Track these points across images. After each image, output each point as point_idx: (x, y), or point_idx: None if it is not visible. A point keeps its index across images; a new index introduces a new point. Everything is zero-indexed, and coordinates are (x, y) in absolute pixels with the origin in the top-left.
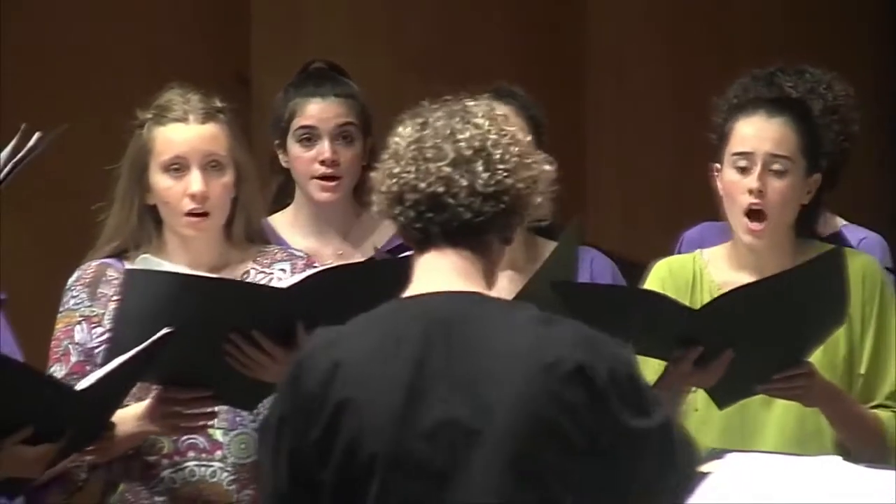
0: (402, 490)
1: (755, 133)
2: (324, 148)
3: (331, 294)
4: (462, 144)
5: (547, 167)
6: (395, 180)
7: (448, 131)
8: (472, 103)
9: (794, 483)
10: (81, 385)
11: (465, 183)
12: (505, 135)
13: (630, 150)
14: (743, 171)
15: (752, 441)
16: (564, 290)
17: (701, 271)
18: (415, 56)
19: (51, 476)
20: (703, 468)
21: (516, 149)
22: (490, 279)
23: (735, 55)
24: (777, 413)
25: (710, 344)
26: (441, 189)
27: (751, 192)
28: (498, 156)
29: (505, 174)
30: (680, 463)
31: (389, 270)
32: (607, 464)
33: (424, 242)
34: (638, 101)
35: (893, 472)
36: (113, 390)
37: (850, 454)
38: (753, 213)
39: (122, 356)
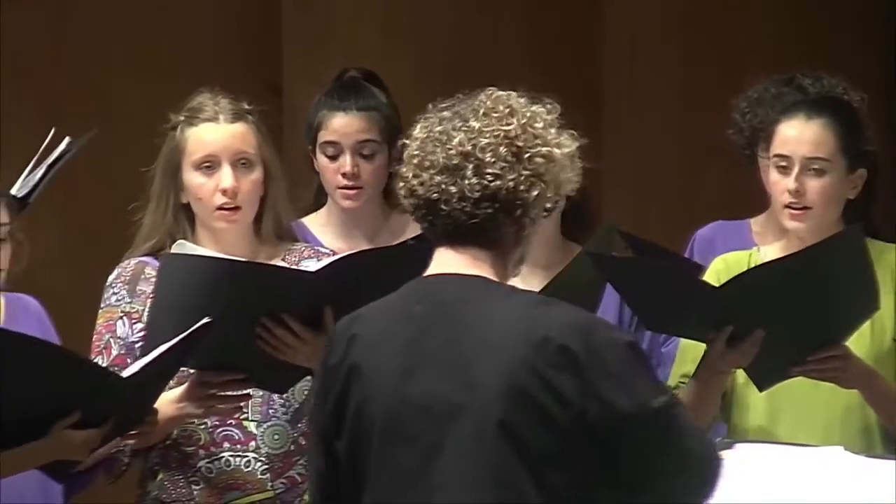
0: (395, 460)
1: (794, 136)
2: (345, 162)
3: (357, 278)
4: (451, 151)
5: (559, 150)
6: (402, 184)
7: (444, 137)
8: (478, 100)
9: (798, 475)
10: (127, 372)
11: (454, 190)
12: (498, 135)
13: (643, 151)
14: (783, 171)
15: (800, 422)
16: (601, 261)
17: (758, 263)
18: (439, 64)
19: (94, 461)
20: None
21: (508, 149)
22: (503, 269)
23: (741, 62)
24: (824, 396)
25: (739, 324)
26: (435, 196)
27: (790, 192)
28: (488, 158)
29: (493, 178)
30: (679, 452)
31: (413, 255)
32: (594, 445)
33: (435, 239)
34: (650, 103)
35: (889, 461)
36: (155, 377)
37: (893, 438)
38: (794, 207)
39: (164, 345)
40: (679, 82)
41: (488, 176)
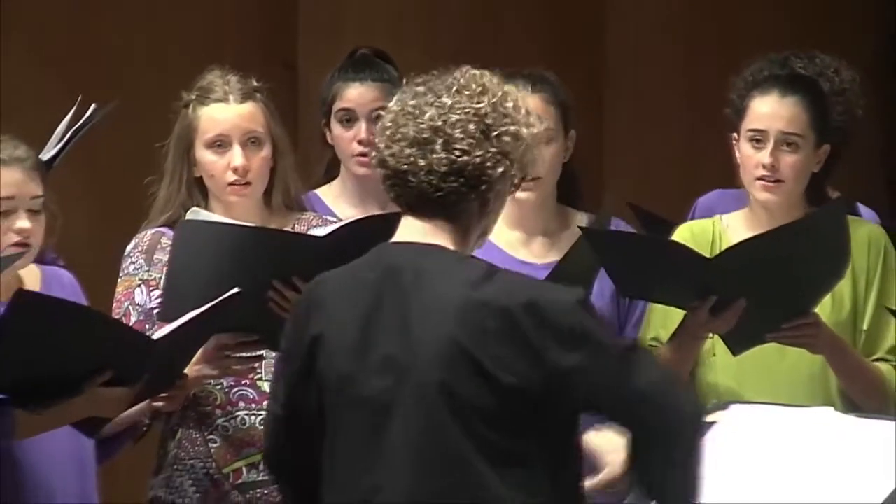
0: (351, 425)
1: (769, 111)
2: (360, 129)
3: (364, 242)
4: (423, 126)
5: (527, 130)
6: (375, 153)
7: (416, 111)
8: (452, 77)
9: (791, 433)
10: (158, 335)
11: (422, 163)
12: (469, 112)
13: (645, 134)
14: (757, 145)
15: (766, 385)
16: (594, 237)
17: (720, 234)
18: (447, 46)
19: (123, 425)
20: (709, 419)
21: (477, 126)
22: (464, 240)
23: (741, 50)
24: (790, 362)
25: (723, 293)
26: (404, 168)
27: (764, 166)
28: (457, 134)
29: (461, 153)
30: (641, 390)
31: None
32: (546, 404)
33: (402, 208)
34: (653, 85)
35: (880, 421)
36: (185, 343)
37: (852, 403)
38: (766, 180)
39: (193, 312)
40: (682, 50)
41: (456, 151)
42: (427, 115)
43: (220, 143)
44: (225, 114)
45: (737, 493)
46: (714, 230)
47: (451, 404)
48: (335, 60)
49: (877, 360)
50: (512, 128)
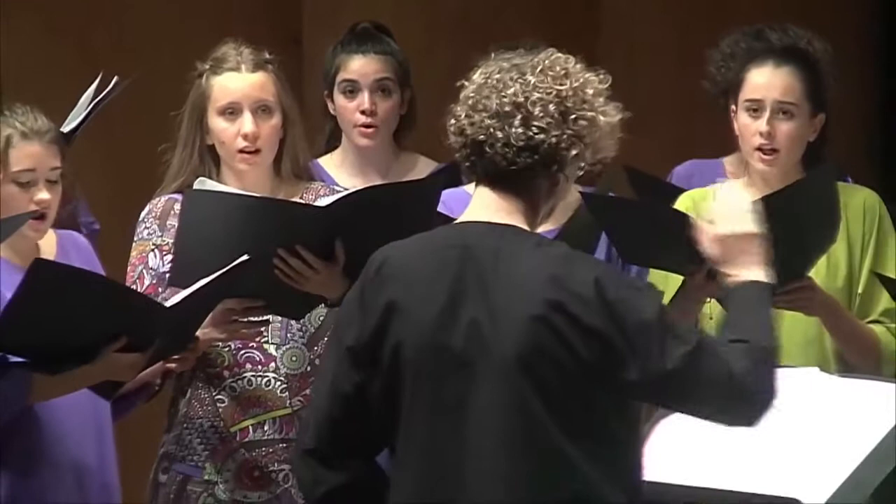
0: (429, 399)
1: (765, 82)
2: (363, 99)
3: (366, 212)
4: (505, 99)
5: (604, 118)
6: (454, 121)
7: (500, 85)
8: (538, 58)
9: (781, 391)
10: (169, 302)
11: (500, 135)
12: (550, 92)
13: (639, 97)
14: (754, 115)
15: None
16: (595, 204)
17: None
18: (447, 21)
19: (138, 384)
20: None
21: (557, 107)
22: (533, 218)
23: (733, 20)
24: (785, 324)
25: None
26: (482, 138)
27: (761, 134)
28: (537, 112)
29: (538, 131)
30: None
31: (417, 191)
32: (612, 392)
33: (475, 178)
34: (646, 59)
35: (863, 381)
36: (196, 308)
37: (847, 363)
38: (764, 150)
39: (204, 279)
40: (674, 20)
41: (534, 128)
42: (511, 91)
43: (231, 111)
44: (237, 82)
45: (722, 449)
46: (715, 197)
47: (533, 380)
48: (338, 35)
49: (871, 322)
50: (589, 113)
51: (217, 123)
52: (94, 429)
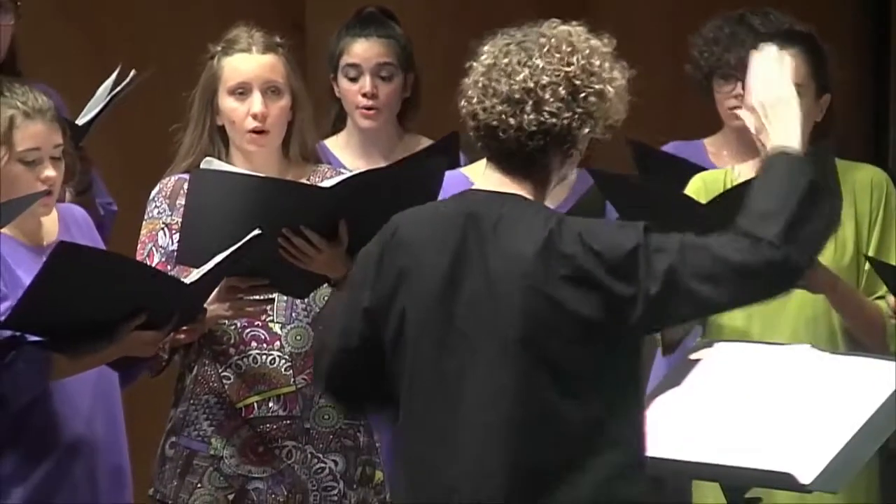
0: (434, 364)
1: None
2: (365, 83)
3: (368, 193)
4: (515, 86)
5: (612, 87)
6: (465, 104)
7: (509, 69)
8: (543, 36)
9: (770, 368)
10: (190, 278)
11: (513, 121)
12: (559, 74)
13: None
14: None
15: (772, 325)
16: (604, 181)
17: (732, 183)
18: (447, 3)
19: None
20: (693, 356)
21: (566, 88)
22: (542, 189)
23: (721, 11)
24: (795, 302)
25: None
26: (495, 123)
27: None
28: (547, 96)
29: (550, 115)
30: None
31: (419, 172)
32: (617, 348)
33: (488, 157)
34: (638, 46)
35: (858, 358)
36: (210, 284)
37: (854, 340)
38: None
39: (220, 255)
40: (670, 17)
41: (545, 113)
42: (520, 77)
43: (241, 91)
44: (247, 63)
45: (716, 425)
46: (726, 179)
47: (534, 352)
48: (340, 19)
49: (878, 298)
50: (598, 86)
51: (227, 103)
52: (105, 406)
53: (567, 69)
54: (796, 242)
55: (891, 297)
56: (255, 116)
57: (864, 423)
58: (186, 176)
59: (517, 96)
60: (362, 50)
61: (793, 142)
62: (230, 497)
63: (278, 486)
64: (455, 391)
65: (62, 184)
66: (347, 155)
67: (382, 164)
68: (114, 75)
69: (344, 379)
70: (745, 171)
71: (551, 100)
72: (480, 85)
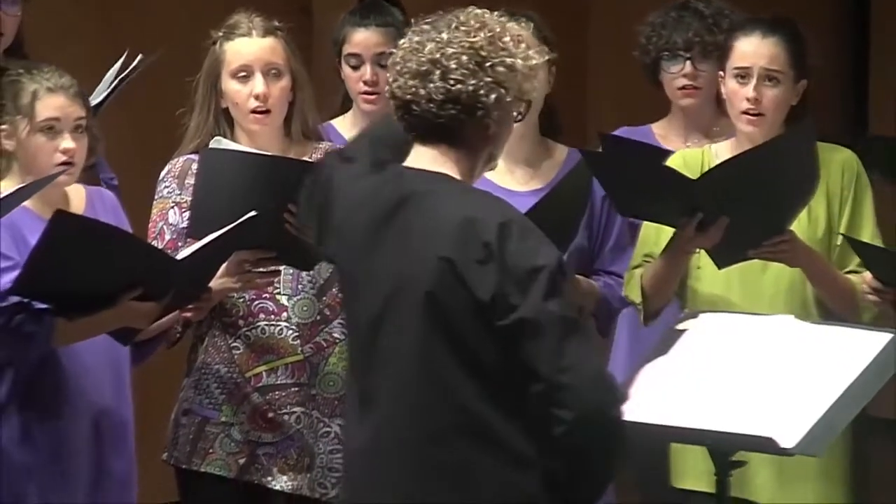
0: (354, 317)
1: (753, 50)
2: (365, 71)
3: None
4: (423, 59)
5: (522, 62)
6: (387, 87)
7: (419, 46)
8: (454, 16)
9: (755, 338)
10: (181, 255)
11: (423, 92)
12: (464, 45)
13: (627, 64)
14: (742, 81)
15: (749, 295)
16: (592, 157)
17: (710, 162)
18: None
19: (158, 330)
20: (680, 326)
21: (471, 58)
22: (469, 166)
23: None
24: (771, 273)
25: (708, 211)
26: (409, 97)
27: (748, 99)
28: (452, 65)
29: (455, 82)
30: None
31: None
32: (502, 334)
33: (412, 135)
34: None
35: (839, 327)
36: (209, 260)
37: (827, 310)
38: (750, 114)
39: (215, 233)
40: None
41: (451, 80)
42: (427, 49)
43: (243, 73)
44: (249, 47)
45: (701, 392)
46: (704, 158)
47: (436, 316)
48: (347, 4)
49: (849, 272)
50: (508, 59)
51: (230, 86)
52: (112, 373)
53: (472, 40)
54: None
55: (867, 274)
56: (257, 97)
57: (844, 390)
58: (194, 157)
59: (424, 68)
60: (362, 39)
61: None
62: (241, 461)
63: (287, 451)
64: (371, 339)
65: (85, 157)
66: (353, 134)
67: None
68: (121, 59)
69: None
70: (721, 150)
71: (456, 68)
72: (397, 67)
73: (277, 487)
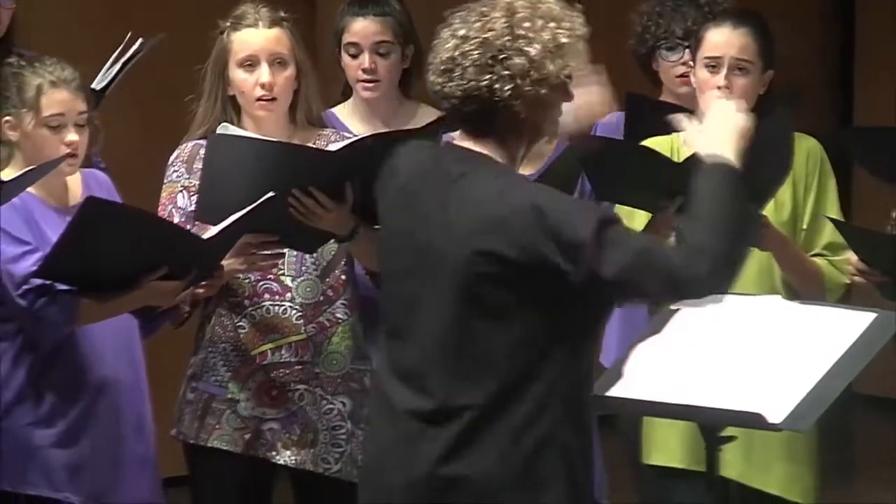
0: (397, 277)
1: (724, 40)
2: (364, 59)
3: (372, 156)
4: (445, 56)
5: (539, 46)
6: (428, 81)
7: (443, 42)
8: (475, 12)
9: (744, 317)
10: (207, 235)
11: (447, 90)
12: (477, 40)
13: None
14: (713, 70)
15: None
16: (577, 141)
17: (678, 149)
18: None
19: (165, 308)
20: (672, 306)
21: (483, 53)
22: (508, 153)
23: None
24: None
25: (687, 194)
26: (436, 92)
27: (719, 88)
28: (467, 63)
29: (469, 80)
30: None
31: (421, 138)
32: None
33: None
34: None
35: (824, 307)
36: (230, 240)
37: (794, 292)
38: None
39: (236, 214)
40: None
41: (466, 78)
42: (447, 46)
43: (250, 63)
44: (255, 37)
45: (690, 368)
46: (672, 145)
47: (471, 290)
48: None
49: (815, 255)
50: (525, 48)
51: (237, 75)
52: (129, 354)
53: (487, 35)
54: (726, 262)
55: (851, 255)
56: (262, 86)
57: (830, 367)
58: (202, 142)
59: (445, 66)
60: (360, 28)
61: (728, 152)
62: (246, 437)
63: (291, 426)
64: (411, 318)
65: (87, 148)
66: (353, 121)
67: (383, 129)
68: (124, 43)
69: None
70: (687, 137)
71: (469, 65)
72: (430, 61)
73: (282, 462)
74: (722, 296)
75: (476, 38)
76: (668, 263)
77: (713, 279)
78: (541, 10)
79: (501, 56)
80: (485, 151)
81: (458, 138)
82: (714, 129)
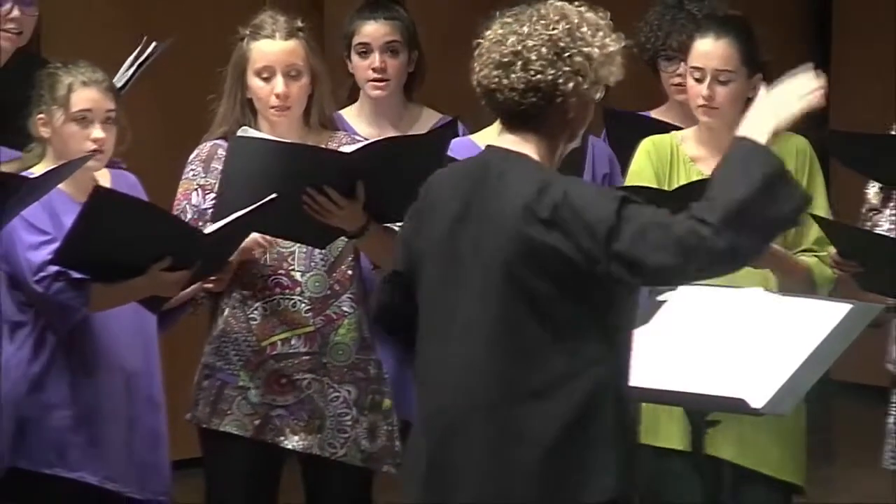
0: (434, 282)
1: (706, 52)
2: (374, 59)
3: (384, 159)
4: (505, 50)
5: (599, 51)
6: (473, 75)
7: (502, 38)
8: (535, 9)
9: (728, 308)
10: (208, 229)
11: (505, 82)
12: (542, 36)
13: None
14: (697, 80)
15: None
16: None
17: (676, 147)
18: None
19: (182, 300)
20: (660, 297)
21: (549, 48)
22: (550, 148)
23: None
24: None
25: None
26: (493, 87)
27: (703, 97)
28: (533, 56)
29: (535, 73)
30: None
31: (427, 143)
32: (588, 280)
33: (498, 119)
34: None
35: (804, 299)
36: (231, 237)
37: (783, 287)
38: (706, 108)
39: (238, 212)
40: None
41: (531, 71)
42: (509, 42)
43: (266, 73)
44: (271, 48)
45: (676, 356)
46: (671, 143)
47: (516, 285)
48: (355, 2)
49: (804, 250)
50: (585, 49)
51: (254, 82)
52: (142, 340)
53: (552, 33)
54: (739, 229)
55: (832, 249)
56: (277, 96)
57: (808, 355)
58: (220, 142)
59: (507, 59)
60: (372, 30)
61: (757, 133)
62: (256, 422)
63: (299, 413)
64: (451, 319)
65: (114, 145)
66: (360, 123)
67: (390, 131)
68: (139, 47)
69: (388, 306)
70: (685, 136)
71: (536, 59)
72: (482, 58)
73: (290, 447)
74: (707, 288)
75: (540, 34)
76: (697, 238)
77: (734, 241)
78: (588, 19)
79: (565, 54)
80: (525, 150)
81: (499, 135)
82: (778, 96)
